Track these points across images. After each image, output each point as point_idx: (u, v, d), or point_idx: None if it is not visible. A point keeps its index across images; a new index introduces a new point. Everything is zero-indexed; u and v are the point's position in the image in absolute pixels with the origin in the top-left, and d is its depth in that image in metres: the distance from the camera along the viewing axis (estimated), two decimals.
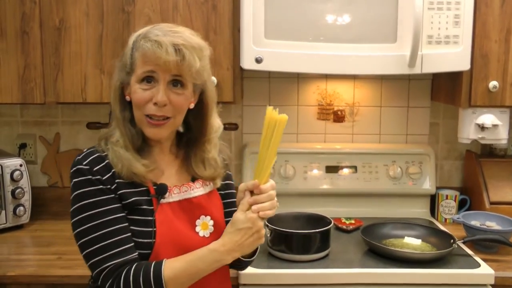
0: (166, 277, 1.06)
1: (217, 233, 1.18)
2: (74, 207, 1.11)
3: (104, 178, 1.11)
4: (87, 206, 1.09)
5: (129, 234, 1.10)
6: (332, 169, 2.03)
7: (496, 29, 1.73)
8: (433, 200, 2.06)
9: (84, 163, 1.12)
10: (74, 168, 1.12)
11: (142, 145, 1.17)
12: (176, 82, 1.12)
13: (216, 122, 1.23)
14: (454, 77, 1.83)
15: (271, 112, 1.13)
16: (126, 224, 1.11)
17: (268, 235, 1.62)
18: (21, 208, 1.85)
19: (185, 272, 1.09)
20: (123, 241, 1.09)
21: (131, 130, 1.16)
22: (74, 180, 1.12)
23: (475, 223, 1.78)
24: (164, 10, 1.70)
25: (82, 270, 1.50)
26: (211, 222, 1.21)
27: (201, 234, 1.18)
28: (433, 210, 2.07)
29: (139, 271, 1.06)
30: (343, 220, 1.91)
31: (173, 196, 1.17)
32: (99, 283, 1.09)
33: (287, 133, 2.11)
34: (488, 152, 2.11)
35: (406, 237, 1.74)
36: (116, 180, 1.12)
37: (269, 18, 1.63)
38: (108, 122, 1.90)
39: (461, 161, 2.16)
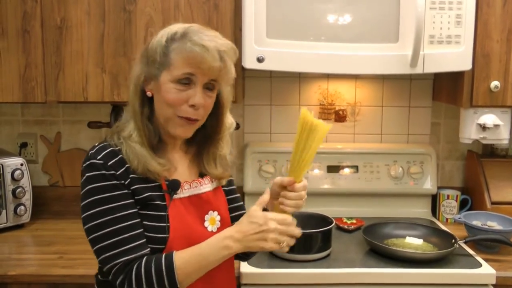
0: (177, 266, 1.07)
1: (223, 229, 1.19)
2: (86, 201, 1.10)
3: (118, 173, 1.10)
4: (100, 201, 1.09)
5: (141, 230, 1.10)
6: (333, 169, 2.03)
7: (497, 29, 1.73)
8: (435, 200, 2.06)
9: (98, 157, 1.11)
10: (88, 163, 1.11)
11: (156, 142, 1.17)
12: (210, 85, 1.14)
13: (229, 119, 1.27)
14: (455, 77, 1.83)
15: (305, 114, 1.17)
16: (139, 220, 1.11)
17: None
18: (22, 207, 1.84)
19: (195, 260, 1.09)
20: (135, 237, 1.09)
21: (148, 126, 1.15)
22: (87, 174, 1.11)
23: (476, 223, 1.78)
24: (166, 9, 1.70)
25: (83, 270, 1.50)
26: (218, 218, 1.23)
27: (209, 229, 1.20)
28: (434, 210, 2.06)
29: (150, 262, 1.07)
30: (345, 220, 1.91)
31: (184, 192, 1.18)
32: (109, 278, 1.09)
33: (287, 133, 2.13)
34: (490, 152, 2.11)
35: (407, 237, 1.74)
36: (130, 175, 1.12)
37: (271, 17, 1.63)
38: (109, 121, 1.92)
39: (462, 161, 2.16)
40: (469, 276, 1.52)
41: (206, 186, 1.24)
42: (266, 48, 1.64)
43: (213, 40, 1.11)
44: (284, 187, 1.18)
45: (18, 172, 1.83)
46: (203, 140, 1.25)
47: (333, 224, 1.64)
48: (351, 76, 2.09)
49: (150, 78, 1.14)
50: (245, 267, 1.52)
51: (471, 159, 2.09)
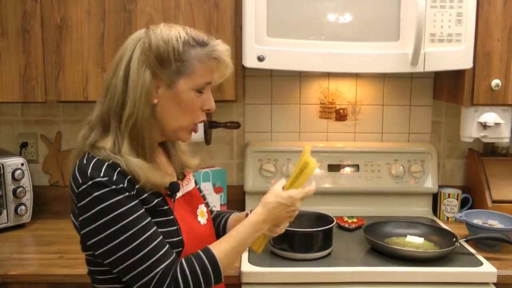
0: (220, 259, 1.08)
1: (209, 220, 1.26)
2: (100, 222, 1.02)
3: (125, 185, 1.05)
4: (118, 217, 1.02)
5: (161, 235, 1.08)
6: (334, 168, 2.02)
7: (498, 28, 1.73)
8: (435, 199, 2.06)
9: (101, 175, 1.04)
10: (91, 182, 1.03)
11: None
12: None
13: None
14: (456, 75, 1.82)
15: (308, 152, 1.21)
16: (156, 226, 1.08)
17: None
18: (23, 207, 1.84)
19: (234, 249, 1.12)
20: (162, 242, 1.07)
21: (151, 136, 1.11)
22: (95, 194, 1.02)
23: (477, 221, 1.78)
24: (166, 8, 1.70)
25: (84, 269, 1.47)
26: (205, 209, 1.26)
27: (202, 222, 1.22)
28: (435, 209, 2.06)
29: (192, 262, 1.07)
30: (345, 219, 1.91)
31: (179, 192, 1.19)
32: None
33: (288, 132, 2.13)
34: (491, 150, 2.11)
35: (408, 236, 1.73)
36: (136, 187, 1.07)
37: (271, 16, 1.63)
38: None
39: (463, 159, 2.15)
40: (470, 275, 1.52)
41: (192, 181, 1.26)
42: (266, 47, 1.64)
43: (225, 47, 1.13)
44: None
45: (18, 172, 1.83)
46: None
47: (334, 223, 1.64)
48: (351, 74, 2.08)
49: (159, 84, 1.09)
50: (246, 266, 1.52)
51: (472, 158, 2.09)
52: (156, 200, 1.10)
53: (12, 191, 1.82)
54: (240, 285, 1.50)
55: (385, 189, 2.02)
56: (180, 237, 1.11)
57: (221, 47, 1.13)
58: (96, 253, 1.06)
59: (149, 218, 1.07)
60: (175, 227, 1.11)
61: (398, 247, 1.62)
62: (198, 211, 1.23)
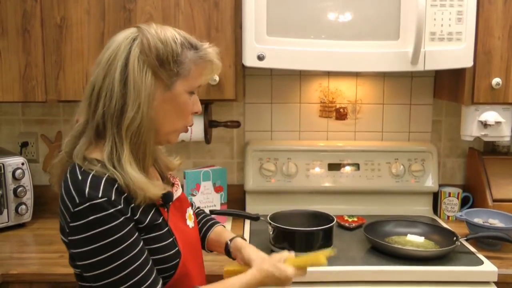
0: None
1: (195, 221, 1.26)
2: (92, 246, 0.97)
3: (122, 206, 1.00)
4: (112, 244, 0.98)
5: (151, 261, 1.04)
6: (334, 167, 2.02)
7: (499, 26, 1.73)
8: (436, 198, 2.06)
9: (99, 195, 0.97)
10: (88, 204, 0.97)
11: None
12: None
13: None
14: (456, 74, 1.82)
15: (328, 254, 1.25)
16: (146, 252, 1.04)
17: (271, 232, 1.62)
18: (23, 206, 1.85)
19: None
20: (151, 271, 1.03)
21: (152, 142, 1.07)
22: (91, 217, 0.97)
23: (478, 220, 1.78)
24: (166, 7, 1.70)
25: None
26: (191, 211, 1.25)
27: (190, 226, 1.21)
28: (435, 208, 2.06)
29: None
30: (346, 218, 1.90)
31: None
32: None
33: (288, 131, 2.13)
34: (491, 149, 2.10)
35: (408, 235, 1.73)
36: (130, 206, 1.02)
37: (271, 15, 1.63)
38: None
39: (463, 158, 2.15)
40: (471, 274, 1.52)
41: (179, 187, 1.24)
42: (266, 46, 1.64)
43: (215, 50, 1.13)
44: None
45: (19, 171, 1.83)
46: None
47: (334, 222, 1.64)
48: (351, 73, 2.08)
49: (158, 86, 1.05)
50: None
51: (472, 157, 2.09)
52: (150, 214, 1.06)
53: (12, 190, 1.82)
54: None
55: (386, 188, 2.02)
56: (177, 248, 1.09)
57: (212, 50, 1.12)
58: (85, 274, 1.02)
59: (141, 244, 1.02)
60: (171, 239, 1.09)
61: (399, 246, 1.62)
62: (187, 215, 1.22)
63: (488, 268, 1.53)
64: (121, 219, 0.99)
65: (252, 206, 2.00)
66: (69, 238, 1.01)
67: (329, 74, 2.09)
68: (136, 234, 1.02)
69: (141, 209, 1.04)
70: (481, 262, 1.56)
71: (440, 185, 2.05)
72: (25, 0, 1.69)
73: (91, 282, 1.02)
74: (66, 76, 1.73)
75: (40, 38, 1.71)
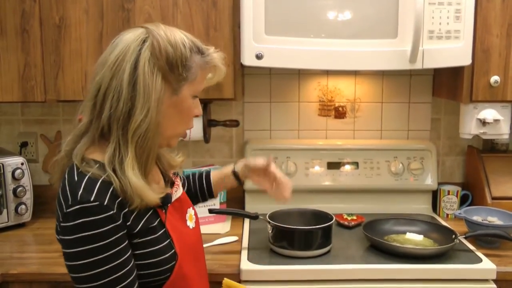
0: None
1: (197, 222, 1.24)
2: (79, 249, 0.96)
3: (114, 212, 0.97)
4: (98, 249, 0.96)
5: (135, 270, 1.02)
6: (333, 166, 2.03)
7: (497, 24, 1.73)
8: (435, 196, 2.06)
9: (91, 199, 0.96)
10: (78, 207, 0.95)
11: None
12: None
13: None
14: (455, 72, 1.82)
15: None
16: (133, 259, 1.02)
17: (270, 231, 1.62)
18: (23, 206, 1.85)
19: None
20: (134, 282, 1.01)
21: (156, 146, 1.05)
22: (80, 220, 0.95)
23: (477, 218, 1.78)
24: (164, 7, 1.70)
25: None
26: (193, 212, 1.24)
27: (190, 226, 1.20)
28: (434, 206, 2.06)
29: None
30: (345, 216, 1.91)
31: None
32: None
33: (287, 130, 2.13)
34: (490, 147, 2.11)
35: (408, 233, 1.73)
36: (123, 212, 1.00)
37: (270, 14, 1.63)
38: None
39: (462, 156, 2.15)
40: (470, 272, 1.52)
41: (180, 187, 1.23)
42: (265, 45, 1.64)
43: (220, 55, 1.13)
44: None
45: (18, 171, 1.83)
46: None
47: (333, 221, 1.64)
48: (350, 72, 2.08)
49: (166, 90, 1.04)
50: (245, 263, 1.53)
51: (471, 155, 2.09)
52: (145, 218, 1.04)
53: (12, 190, 1.82)
54: (239, 283, 1.50)
55: (385, 186, 2.02)
56: (173, 250, 1.08)
57: (217, 55, 1.12)
58: (70, 275, 1.01)
59: (128, 254, 1.00)
60: (167, 241, 1.07)
61: (398, 244, 1.62)
62: (187, 215, 1.20)
63: (487, 266, 1.54)
64: (110, 226, 0.97)
65: (251, 205, 2.01)
66: (59, 237, 1.01)
67: (328, 72, 2.09)
68: (125, 243, 1.00)
69: (135, 214, 1.02)
70: (480, 260, 1.57)
71: (439, 183, 2.06)
72: (23, 0, 1.69)
73: (73, 283, 1.01)
74: (65, 76, 1.73)
75: (39, 38, 1.71)
